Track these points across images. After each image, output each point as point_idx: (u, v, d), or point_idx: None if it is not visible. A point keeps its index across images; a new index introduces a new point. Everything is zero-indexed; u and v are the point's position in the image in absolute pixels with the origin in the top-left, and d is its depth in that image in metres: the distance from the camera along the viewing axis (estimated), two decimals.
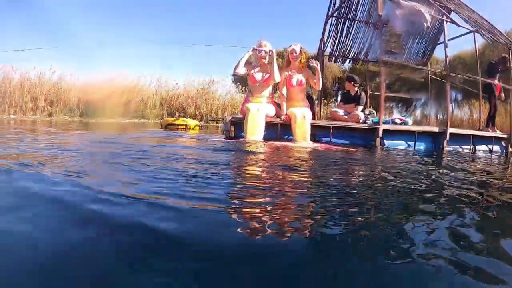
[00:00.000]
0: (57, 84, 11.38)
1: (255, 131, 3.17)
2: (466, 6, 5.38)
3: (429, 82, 5.56)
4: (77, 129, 5.00)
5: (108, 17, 27.10)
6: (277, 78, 3.46)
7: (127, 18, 28.21)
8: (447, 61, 4.29)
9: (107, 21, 26.53)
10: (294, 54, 3.57)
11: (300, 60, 3.62)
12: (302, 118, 3.34)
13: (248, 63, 3.59)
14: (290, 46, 3.65)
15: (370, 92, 5.74)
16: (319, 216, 0.86)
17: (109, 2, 26.95)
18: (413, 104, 16.23)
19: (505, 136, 4.70)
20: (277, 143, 3.04)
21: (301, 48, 3.66)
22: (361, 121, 4.16)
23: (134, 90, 12.05)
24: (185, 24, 28.95)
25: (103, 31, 24.75)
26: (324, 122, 3.78)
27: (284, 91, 3.66)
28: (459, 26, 4.35)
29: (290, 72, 3.63)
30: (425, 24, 4.09)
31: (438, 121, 12.77)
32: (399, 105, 16.57)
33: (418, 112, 15.30)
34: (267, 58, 3.50)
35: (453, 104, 15.91)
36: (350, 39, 5.89)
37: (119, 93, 11.67)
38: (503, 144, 4.65)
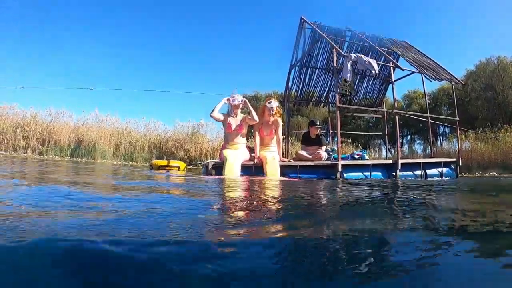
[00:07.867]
0: (51, 124, 11.69)
1: (232, 174, 3.74)
2: (414, 49, 5.96)
3: (385, 118, 5.92)
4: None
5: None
6: (256, 118, 4.03)
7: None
8: (395, 99, 4.66)
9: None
10: (272, 111, 4.08)
11: (273, 115, 4.14)
12: (272, 159, 3.93)
13: (225, 114, 4.16)
14: (270, 102, 4.12)
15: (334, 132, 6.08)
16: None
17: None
18: (400, 140, 16.74)
19: (454, 160, 5.02)
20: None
21: (277, 106, 4.17)
22: (324, 159, 4.44)
23: (123, 134, 12.43)
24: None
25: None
26: (293, 163, 4.26)
27: (257, 138, 4.20)
28: (403, 70, 4.80)
29: (262, 126, 4.20)
30: (373, 72, 4.55)
31: (424, 154, 12.97)
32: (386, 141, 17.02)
33: (405, 148, 15.78)
34: (240, 109, 4.08)
35: (441, 137, 16.43)
36: (312, 84, 6.44)
37: (108, 135, 12.11)
38: (452, 166, 4.93)
